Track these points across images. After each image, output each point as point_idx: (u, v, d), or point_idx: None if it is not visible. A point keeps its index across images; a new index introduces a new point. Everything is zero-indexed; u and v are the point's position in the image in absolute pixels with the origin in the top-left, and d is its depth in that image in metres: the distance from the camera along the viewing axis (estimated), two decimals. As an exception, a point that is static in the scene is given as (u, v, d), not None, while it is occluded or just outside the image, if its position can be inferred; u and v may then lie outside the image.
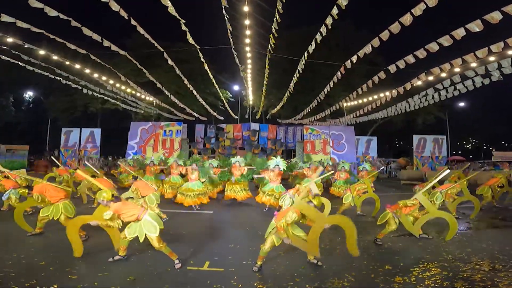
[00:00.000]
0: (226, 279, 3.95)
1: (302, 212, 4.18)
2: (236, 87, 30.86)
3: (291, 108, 25.34)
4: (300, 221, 4.27)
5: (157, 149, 17.13)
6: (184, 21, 7.23)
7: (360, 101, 16.64)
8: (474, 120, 38.83)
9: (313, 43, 7.70)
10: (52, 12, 6.31)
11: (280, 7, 6.68)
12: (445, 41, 6.08)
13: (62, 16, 6.53)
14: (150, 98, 17.51)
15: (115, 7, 6.27)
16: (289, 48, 21.49)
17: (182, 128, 18.23)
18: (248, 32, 8.46)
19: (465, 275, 4.08)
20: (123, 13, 6.55)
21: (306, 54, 8.67)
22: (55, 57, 9.51)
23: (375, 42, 6.80)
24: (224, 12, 7.51)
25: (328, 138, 17.17)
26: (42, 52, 8.74)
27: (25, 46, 8.21)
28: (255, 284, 3.83)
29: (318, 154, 17.02)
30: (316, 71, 22.64)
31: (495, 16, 5.15)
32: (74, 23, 6.86)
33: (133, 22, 6.97)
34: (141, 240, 4.23)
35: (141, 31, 7.60)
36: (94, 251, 4.89)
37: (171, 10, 6.58)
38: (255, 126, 24.67)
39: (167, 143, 17.31)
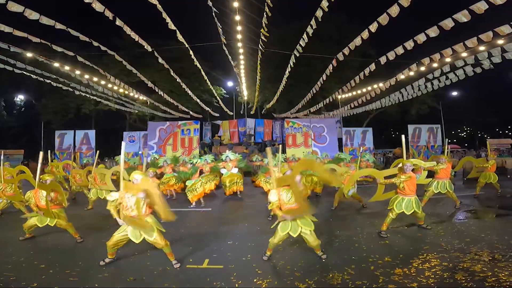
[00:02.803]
0: (225, 276, 3.97)
1: (280, 185, 4.31)
2: (230, 83, 30.72)
3: (286, 102, 25.32)
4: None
5: (176, 148, 17.34)
6: (170, 21, 7.10)
7: (354, 93, 16.67)
8: (468, 109, 39.03)
9: (304, 36, 7.67)
10: (34, 15, 6.12)
11: (269, 1, 6.62)
12: (432, 32, 6.09)
13: (45, 19, 6.35)
14: (144, 98, 17.38)
15: (99, 7, 6.11)
16: (281, 43, 21.37)
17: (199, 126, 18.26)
18: (239, 28, 8.38)
19: (465, 266, 4.08)
20: (108, 14, 6.39)
21: (299, 47, 8.64)
22: (43, 60, 9.33)
23: (365, 34, 6.78)
24: (213, 8, 7.43)
25: (309, 131, 17.32)
26: (29, 54, 8.56)
27: (11, 50, 8.03)
28: (254, 280, 3.85)
29: (299, 147, 17.19)
30: (310, 65, 22.58)
31: (481, 6, 5.18)
32: (58, 25, 6.68)
33: (118, 22, 6.82)
34: (138, 241, 4.22)
35: (128, 31, 7.45)
36: (94, 252, 4.88)
37: (159, 8, 6.49)
38: (250, 122, 24.63)
39: (185, 141, 17.50)
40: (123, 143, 4.59)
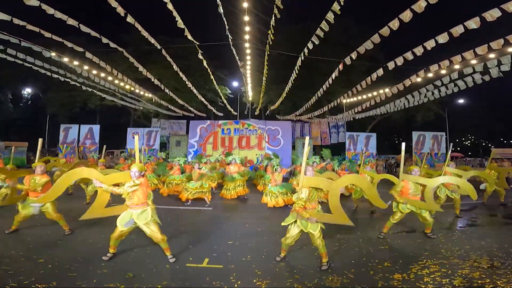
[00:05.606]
0: (225, 276, 3.97)
1: (312, 185, 4.24)
2: (235, 83, 30.75)
3: (291, 104, 25.26)
4: (317, 198, 4.35)
5: (217, 147, 17.55)
6: (179, 20, 7.15)
7: (359, 97, 16.59)
8: (472, 117, 38.84)
9: (314, 39, 7.62)
10: (50, 10, 6.24)
11: (279, 3, 6.60)
12: (442, 38, 6.05)
13: (59, 14, 6.45)
14: (149, 95, 17.47)
15: (113, 3, 6.20)
16: (288, 43, 21.34)
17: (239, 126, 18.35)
18: (247, 28, 8.38)
19: (464, 273, 4.11)
20: (120, 10, 6.47)
21: (306, 50, 8.61)
22: (52, 54, 9.42)
23: (375, 38, 6.73)
24: (221, 8, 7.42)
25: (264, 133, 17.41)
26: (38, 49, 8.64)
27: (22, 44, 8.11)
28: (254, 281, 3.85)
29: (252, 149, 17.28)
30: (316, 67, 22.54)
31: (494, 14, 5.13)
32: (71, 21, 6.76)
33: (130, 19, 6.86)
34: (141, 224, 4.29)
35: (139, 27, 7.51)
36: (94, 248, 4.90)
37: (170, 6, 6.51)
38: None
39: (225, 141, 17.70)
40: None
